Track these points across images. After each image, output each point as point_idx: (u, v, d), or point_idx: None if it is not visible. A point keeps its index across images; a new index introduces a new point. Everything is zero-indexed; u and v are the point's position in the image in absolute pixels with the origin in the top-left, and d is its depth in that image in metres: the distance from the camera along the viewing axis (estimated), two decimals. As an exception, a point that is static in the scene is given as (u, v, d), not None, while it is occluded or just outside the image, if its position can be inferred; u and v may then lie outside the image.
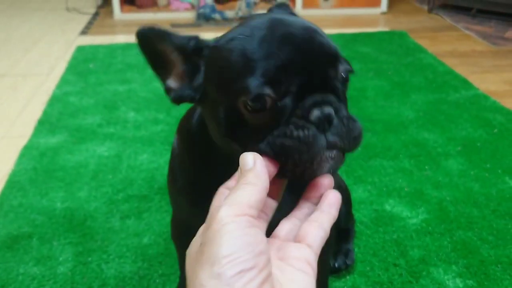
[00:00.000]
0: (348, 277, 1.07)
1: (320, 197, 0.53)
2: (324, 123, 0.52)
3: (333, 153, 0.52)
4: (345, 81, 0.56)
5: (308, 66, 0.53)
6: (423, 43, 2.48)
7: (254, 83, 0.52)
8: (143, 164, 1.48)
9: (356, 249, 1.14)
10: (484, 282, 1.05)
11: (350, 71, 0.57)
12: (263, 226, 0.50)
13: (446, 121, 1.70)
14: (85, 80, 2.10)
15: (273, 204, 0.53)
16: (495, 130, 1.64)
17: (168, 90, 0.62)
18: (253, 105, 0.53)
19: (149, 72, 2.10)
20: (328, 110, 0.52)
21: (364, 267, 1.10)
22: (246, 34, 0.55)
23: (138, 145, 1.58)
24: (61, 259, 1.12)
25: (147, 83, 2.06)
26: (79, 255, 1.14)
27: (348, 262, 1.08)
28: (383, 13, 3.15)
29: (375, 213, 1.26)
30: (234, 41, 0.56)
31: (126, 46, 2.51)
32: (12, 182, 1.41)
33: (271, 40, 0.53)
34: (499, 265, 1.09)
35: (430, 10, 3.12)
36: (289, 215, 0.53)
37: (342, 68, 0.55)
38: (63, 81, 2.09)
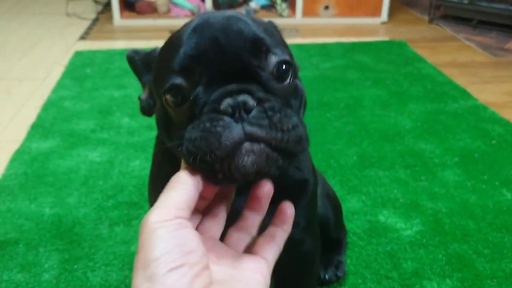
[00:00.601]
0: (338, 289, 1.05)
1: (262, 206, 0.53)
2: (239, 112, 0.47)
3: (254, 146, 0.47)
4: (280, 73, 0.52)
5: (223, 54, 0.49)
6: (423, 53, 2.47)
7: (168, 74, 0.51)
8: (135, 171, 1.45)
9: (348, 261, 1.12)
10: (478, 297, 1.02)
11: (286, 63, 0.52)
12: (197, 222, 0.51)
13: (444, 131, 1.67)
14: (81, 85, 2.08)
15: (222, 208, 0.53)
16: (494, 141, 1.61)
17: (140, 102, 0.64)
18: (170, 99, 0.51)
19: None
20: (243, 98, 0.48)
21: (356, 280, 1.07)
22: (178, 32, 0.54)
23: (130, 151, 1.56)
24: (46, 266, 1.10)
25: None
26: (65, 262, 1.11)
27: (339, 274, 1.06)
28: (384, 23, 3.14)
29: (369, 224, 1.24)
30: (166, 40, 0.56)
31: (124, 52, 2.49)
32: (2, 187, 1.39)
33: (191, 33, 0.51)
34: (494, 280, 1.07)
35: (430, 21, 3.11)
36: (236, 225, 0.54)
37: (273, 58, 0.51)
38: (59, 85, 2.08)
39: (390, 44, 2.62)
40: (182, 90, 0.51)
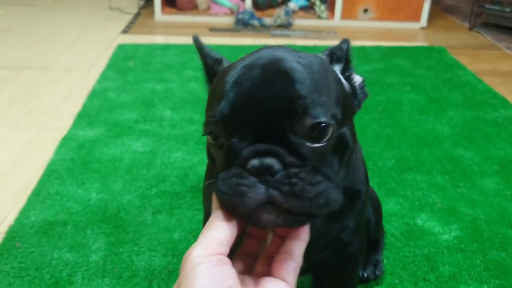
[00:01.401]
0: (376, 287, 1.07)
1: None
2: (264, 174, 0.50)
3: (275, 207, 0.50)
4: (315, 135, 0.52)
5: (258, 113, 0.51)
6: (463, 60, 2.45)
7: (210, 119, 0.54)
8: (177, 162, 1.50)
9: (385, 261, 1.13)
10: (516, 304, 1.03)
11: (323, 124, 0.52)
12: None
13: (483, 140, 1.67)
14: (124, 77, 2.15)
15: (257, 244, 0.58)
16: (534, 152, 1.60)
17: None
18: (211, 141, 0.56)
19: (187, 73, 2.15)
20: (269, 161, 0.50)
21: (393, 280, 1.09)
22: (228, 72, 0.56)
23: (172, 143, 1.61)
24: (94, 247, 1.15)
25: (184, 83, 2.09)
26: (111, 245, 1.16)
27: (377, 272, 1.08)
28: (423, 28, 3.12)
29: (406, 226, 1.25)
30: (219, 75, 0.60)
31: (165, 47, 2.56)
32: (51, 170, 1.45)
33: (233, 85, 0.53)
34: (532, 289, 1.07)
35: (471, 28, 3.08)
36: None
37: (308, 121, 0.51)
38: (103, 77, 2.15)
39: (429, 49, 2.61)
40: (220, 138, 0.54)
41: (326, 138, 0.53)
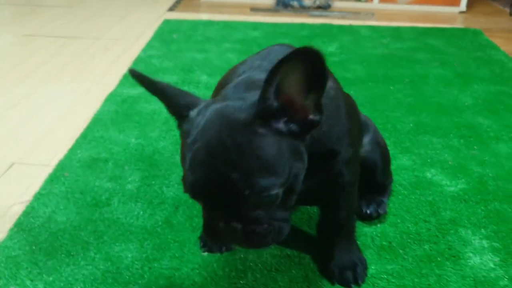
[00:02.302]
0: (378, 225, 1.16)
1: None
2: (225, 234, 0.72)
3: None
4: (264, 202, 0.69)
5: (213, 197, 0.68)
6: (497, 42, 2.46)
7: (183, 184, 0.72)
8: (209, 117, 1.64)
9: (390, 205, 1.23)
10: (510, 246, 1.10)
11: (267, 195, 0.67)
12: None
13: (504, 110, 1.72)
14: (168, 47, 2.31)
15: None
16: (555, 124, 1.64)
17: None
18: None
19: (225, 45, 2.33)
20: (222, 225, 0.71)
21: (395, 219, 1.18)
22: (184, 146, 0.71)
23: (206, 102, 1.75)
24: (129, 179, 1.31)
25: (222, 53, 2.23)
26: (145, 178, 1.32)
27: (380, 211, 1.17)
28: (462, 12, 3.12)
29: (415, 178, 1.33)
30: (182, 137, 0.74)
31: (207, 23, 2.71)
32: (97, 119, 1.62)
33: (191, 163, 0.68)
34: (528, 235, 1.14)
35: (511, 13, 3.06)
36: None
37: (253, 199, 0.67)
38: (148, 46, 2.32)
39: (464, 31, 2.63)
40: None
41: (273, 200, 0.69)
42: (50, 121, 1.64)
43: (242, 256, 1.06)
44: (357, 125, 1.00)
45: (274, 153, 0.66)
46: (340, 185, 0.92)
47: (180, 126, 0.76)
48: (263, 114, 0.66)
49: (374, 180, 1.19)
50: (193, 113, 0.73)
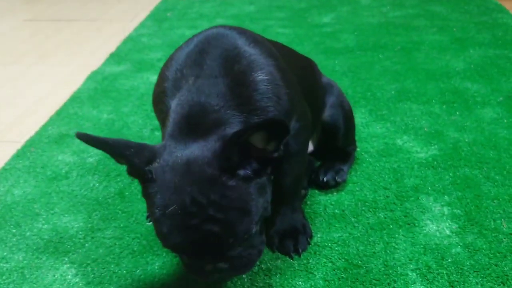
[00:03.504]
0: (335, 193, 1.12)
1: None
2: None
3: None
4: (244, 243, 0.75)
5: (190, 248, 0.72)
6: (507, 5, 2.31)
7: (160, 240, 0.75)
8: (184, 91, 1.62)
9: (352, 173, 1.17)
10: (472, 213, 1.03)
11: (247, 237, 0.73)
12: None
13: (497, 74, 1.61)
14: (160, 25, 2.30)
15: None
16: (551, 86, 1.52)
17: None
18: None
19: (218, 21, 2.27)
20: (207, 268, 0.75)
21: (354, 188, 1.13)
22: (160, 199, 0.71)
23: (185, 76, 1.73)
24: (92, 153, 1.31)
25: (212, 29, 2.20)
26: (107, 152, 1.31)
27: (338, 179, 1.12)
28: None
29: (384, 145, 1.27)
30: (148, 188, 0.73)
31: (204, 0, 2.68)
32: (75, 97, 1.63)
33: (172, 223, 0.70)
34: (495, 201, 1.06)
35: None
36: None
37: (232, 251, 0.74)
38: (141, 25, 2.31)
39: (473, -4, 2.48)
40: None
41: (252, 235, 0.74)
42: (31, 101, 1.66)
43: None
44: (302, 98, 0.93)
45: (246, 198, 0.71)
46: (286, 153, 0.89)
47: (143, 183, 0.75)
48: (229, 169, 0.70)
49: (335, 144, 1.14)
50: (155, 170, 0.72)
